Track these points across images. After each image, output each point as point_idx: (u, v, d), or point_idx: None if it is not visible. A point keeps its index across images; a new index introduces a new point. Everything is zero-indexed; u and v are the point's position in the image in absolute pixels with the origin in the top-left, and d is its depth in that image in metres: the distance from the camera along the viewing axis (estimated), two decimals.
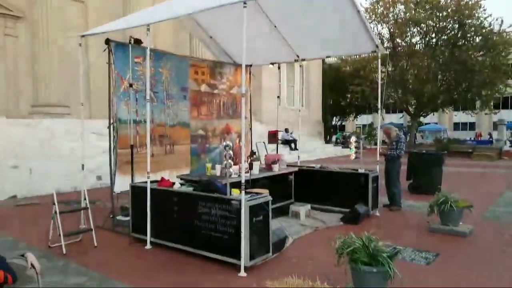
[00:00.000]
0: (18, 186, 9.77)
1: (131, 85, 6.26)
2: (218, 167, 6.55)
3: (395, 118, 39.77)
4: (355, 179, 7.36)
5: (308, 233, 6.29)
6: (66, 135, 12.52)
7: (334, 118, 36.67)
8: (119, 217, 6.51)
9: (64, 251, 5.16)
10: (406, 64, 27.12)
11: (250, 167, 6.30)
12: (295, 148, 20.34)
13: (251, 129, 9.07)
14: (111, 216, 6.48)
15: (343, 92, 32.86)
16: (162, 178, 5.87)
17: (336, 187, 7.54)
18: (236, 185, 5.19)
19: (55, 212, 5.32)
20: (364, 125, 46.60)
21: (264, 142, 8.99)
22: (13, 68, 13.99)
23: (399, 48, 27.20)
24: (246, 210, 4.48)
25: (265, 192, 5.85)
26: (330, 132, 34.77)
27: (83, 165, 6.61)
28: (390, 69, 28.94)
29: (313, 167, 8.08)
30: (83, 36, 6.53)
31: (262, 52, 8.34)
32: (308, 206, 7.29)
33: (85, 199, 5.87)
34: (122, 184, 6.43)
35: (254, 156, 6.40)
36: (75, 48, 6.57)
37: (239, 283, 4.28)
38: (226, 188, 4.85)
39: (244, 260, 4.47)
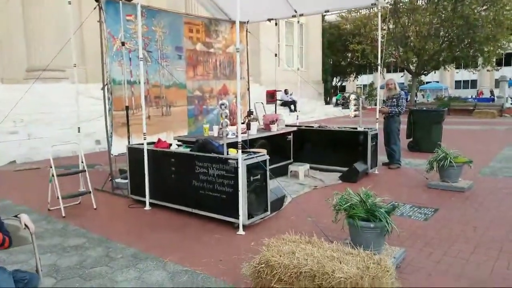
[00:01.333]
0: (17, 151, 9.75)
1: (123, 44, 6.06)
2: (215, 128, 6.47)
3: (395, 77, 39.19)
4: (354, 138, 7.30)
5: (306, 192, 6.29)
6: (62, 99, 12.34)
7: (334, 78, 36.17)
8: (118, 180, 6.50)
9: (63, 214, 5.18)
10: (408, 20, 26.44)
11: (248, 127, 6.23)
12: (295, 110, 20.19)
13: (248, 89, 8.91)
14: (110, 179, 6.47)
15: (343, 51, 32.27)
16: (159, 139, 5.81)
17: (335, 146, 7.48)
18: (233, 145, 5.17)
19: (52, 175, 5.30)
20: (364, 86, 46.07)
21: (262, 103, 8.85)
22: (6, 31, 13.64)
23: (401, 4, 26.42)
24: (244, 169, 4.44)
25: (263, 151, 5.81)
26: (331, 93, 34.39)
27: (79, 128, 6.55)
28: (391, 26, 28.28)
29: (312, 126, 7.99)
30: None
31: (258, 8, 8.06)
32: (307, 166, 7.27)
33: (82, 162, 5.83)
34: (120, 146, 6.38)
35: (252, 116, 6.31)
36: (66, 7, 6.29)
37: (237, 240, 4.31)
38: (223, 148, 4.79)
39: (242, 219, 4.47)
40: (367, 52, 27.04)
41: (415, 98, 29.93)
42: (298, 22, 8.51)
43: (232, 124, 6.34)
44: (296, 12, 8.11)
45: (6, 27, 13.61)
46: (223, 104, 4.70)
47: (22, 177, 7.82)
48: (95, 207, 5.55)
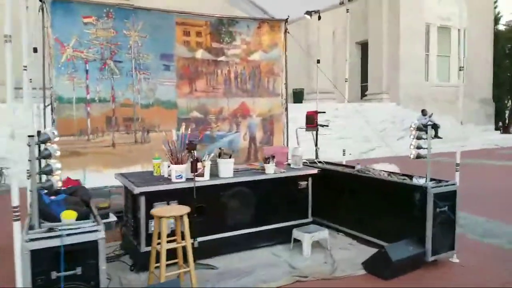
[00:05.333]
0: None
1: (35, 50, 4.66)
2: (165, 164, 4.49)
3: None
4: (405, 195, 4.31)
5: None
6: None
7: None
8: None
9: None
10: None
11: (193, 168, 4.06)
12: (436, 136, 16.04)
13: (286, 109, 6.51)
14: None
15: None
16: (68, 179, 4.18)
17: (378, 204, 4.59)
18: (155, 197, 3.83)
19: None
20: None
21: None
22: None
23: None
24: (26, 258, 2.42)
25: (178, 209, 3.59)
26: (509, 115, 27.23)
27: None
28: None
29: (353, 167, 5.17)
30: None
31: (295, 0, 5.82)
32: (324, 231, 4.56)
33: None
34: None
35: (194, 151, 4.02)
36: None
37: None
38: (57, 206, 2.88)
39: None
40: None
41: None
42: (347, 11, 5.80)
43: (178, 162, 4.24)
44: None
45: None
46: None
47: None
48: None
